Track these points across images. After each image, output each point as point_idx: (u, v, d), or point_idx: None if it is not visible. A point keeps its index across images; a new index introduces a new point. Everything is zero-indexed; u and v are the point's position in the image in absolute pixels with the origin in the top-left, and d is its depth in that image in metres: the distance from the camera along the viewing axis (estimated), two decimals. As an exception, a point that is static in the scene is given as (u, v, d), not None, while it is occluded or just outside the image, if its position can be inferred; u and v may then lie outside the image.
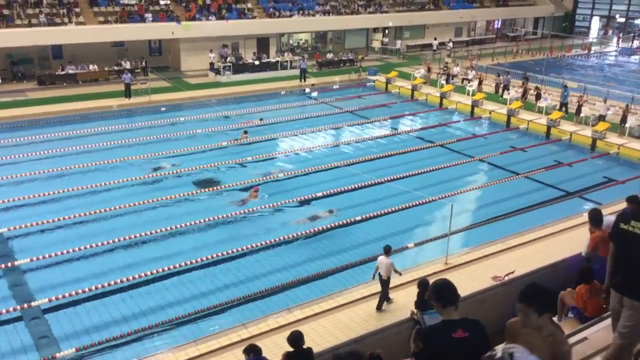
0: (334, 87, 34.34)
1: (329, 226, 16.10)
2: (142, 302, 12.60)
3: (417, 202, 17.34)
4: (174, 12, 35.95)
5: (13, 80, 31.96)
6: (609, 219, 11.72)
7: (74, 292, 12.58)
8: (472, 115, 28.91)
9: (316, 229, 15.91)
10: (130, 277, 13.22)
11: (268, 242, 15.13)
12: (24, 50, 31.99)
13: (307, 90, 33.58)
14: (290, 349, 8.25)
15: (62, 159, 20.87)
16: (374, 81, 35.37)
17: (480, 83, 31.71)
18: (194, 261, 13.99)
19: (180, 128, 25.16)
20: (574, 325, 8.63)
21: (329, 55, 39.72)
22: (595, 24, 58.16)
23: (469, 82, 32.56)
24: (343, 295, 11.84)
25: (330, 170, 20.49)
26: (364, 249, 14.98)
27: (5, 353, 10.90)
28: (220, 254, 14.36)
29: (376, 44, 45.51)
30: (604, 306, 9.13)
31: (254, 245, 14.91)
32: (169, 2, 36.83)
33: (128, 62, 33.27)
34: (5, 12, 31.30)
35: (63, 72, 31.71)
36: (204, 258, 14.15)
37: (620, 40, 53.91)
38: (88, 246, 14.50)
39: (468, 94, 30.94)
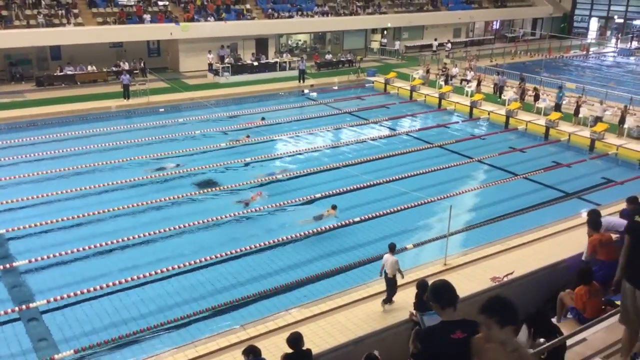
0: (333, 88, 34.33)
1: (327, 227, 16.08)
2: (140, 304, 12.57)
3: (416, 203, 17.35)
4: (172, 13, 35.94)
5: (11, 81, 31.94)
6: (607, 220, 11.78)
7: (72, 294, 12.54)
8: (471, 116, 28.92)
9: (315, 230, 15.89)
10: (129, 279, 13.20)
11: (266, 243, 15.11)
12: (22, 51, 31.96)
13: (306, 91, 33.58)
14: (289, 350, 8.24)
15: (60, 160, 20.84)
16: (373, 82, 35.38)
17: (478, 84, 31.73)
18: (192, 262, 13.98)
19: (180, 129, 25.14)
20: (573, 326, 8.61)
21: (328, 56, 39.74)
22: (594, 24, 58.21)
23: (467, 83, 32.59)
24: (342, 297, 11.82)
25: (329, 172, 20.49)
26: (363, 250, 14.96)
27: (3, 355, 10.86)
28: (219, 255, 14.34)
29: (375, 45, 45.53)
30: (603, 307, 9.14)
31: (253, 246, 14.89)
32: (167, 3, 36.82)
33: (127, 63, 33.25)
34: (4, 13, 31.28)
35: (61, 73, 31.69)
36: (203, 259, 14.14)
37: (619, 41, 53.96)
38: (87, 247, 14.49)
39: (467, 95, 30.96)
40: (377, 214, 16.90)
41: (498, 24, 53.41)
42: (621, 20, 56.28)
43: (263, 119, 26.67)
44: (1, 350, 11.00)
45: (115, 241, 14.88)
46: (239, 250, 14.68)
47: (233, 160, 21.30)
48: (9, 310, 12.03)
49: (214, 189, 18.83)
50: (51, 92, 30.14)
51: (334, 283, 13.26)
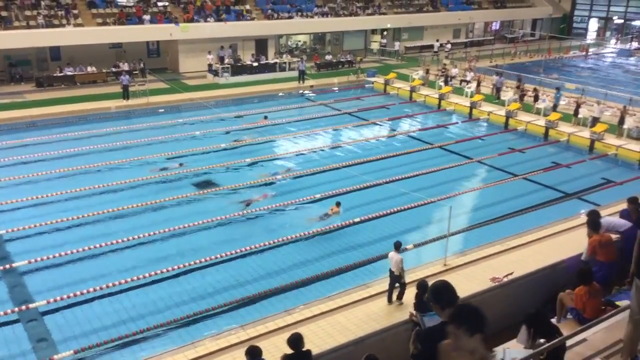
0: (333, 88, 34.32)
1: (327, 228, 16.09)
2: (140, 305, 12.56)
3: (416, 204, 17.35)
4: (172, 14, 35.95)
5: (11, 82, 31.93)
6: (608, 220, 11.80)
7: (72, 294, 12.54)
8: (471, 116, 28.92)
9: (314, 231, 15.89)
10: (129, 279, 13.20)
11: (266, 243, 15.10)
12: (22, 52, 31.96)
13: (306, 91, 33.58)
14: (289, 351, 8.24)
15: (60, 160, 20.84)
16: (373, 83, 35.38)
17: (478, 84, 31.75)
18: (192, 263, 13.98)
19: (179, 130, 25.14)
20: (573, 327, 8.61)
21: (328, 57, 39.75)
22: (593, 25, 58.25)
23: (467, 84, 32.59)
24: (342, 297, 11.81)
25: (329, 172, 20.49)
26: (363, 250, 14.96)
27: (3, 356, 10.86)
28: (219, 256, 14.34)
29: (374, 46, 45.56)
30: (603, 308, 9.15)
31: (253, 247, 14.89)
32: (167, 3, 36.83)
33: (126, 64, 33.25)
34: (3, 13, 31.28)
35: (61, 74, 31.69)
36: (203, 260, 14.13)
37: (619, 41, 53.99)
38: (86, 248, 14.49)
39: (466, 96, 30.97)
40: (377, 214, 16.90)
41: (498, 24, 53.45)
42: (621, 21, 56.34)
43: (265, 117, 26.73)
44: (1, 351, 10.99)
45: (115, 242, 14.87)
46: (238, 250, 14.67)
47: (233, 161, 21.31)
48: (9, 311, 12.02)
49: (213, 189, 18.82)
50: (51, 92, 30.14)
51: (334, 283, 13.25)
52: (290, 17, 39.52)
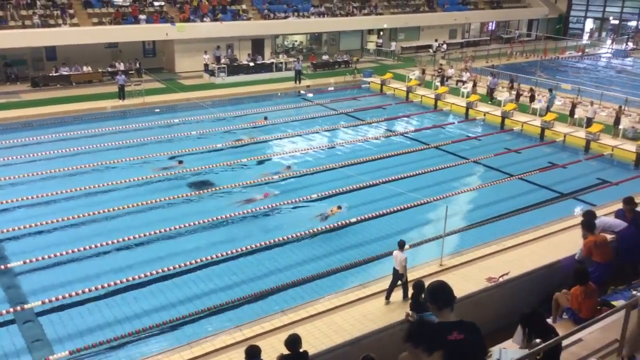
0: (329, 88, 34.32)
1: (324, 228, 16.08)
2: (136, 305, 12.53)
3: (412, 204, 17.36)
4: (168, 14, 35.89)
5: (6, 81, 31.85)
6: (603, 220, 11.82)
7: (67, 295, 12.50)
8: (467, 117, 28.96)
9: (310, 231, 15.88)
10: (124, 280, 13.18)
11: (262, 244, 15.08)
12: (17, 51, 31.85)
13: (302, 91, 33.57)
14: (286, 352, 8.23)
15: (55, 160, 20.78)
16: (369, 83, 35.40)
17: (474, 85, 31.80)
18: (187, 263, 13.95)
19: (175, 130, 25.09)
20: (569, 327, 8.62)
21: (324, 57, 39.74)
22: (589, 26, 58.39)
23: (463, 84, 32.63)
24: (338, 297, 11.82)
25: (325, 172, 20.48)
26: (360, 250, 14.97)
27: (-2, 356, 10.84)
28: (214, 256, 14.32)
29: (371, 46, 45.57)
30: (599, 308, 9.16)
31: (249, 247, 14.87)
32: (163, 3, 36.76)
33: (122, 64, 33.19)
34: (-1, 13, 31.23)
35: (57, 74, 31.61)
36: (198, 260, 14.11)
37: (614, 42, 54.14)
38: (82, 248, 14.45)
39: (462, 96, 31.00)
40: (374, 214, 16.90)
41: (494, 25, 53.52)
42: (616, 22, 56.49)
43: (266, 118, 26.74)
44: (-4, 352, 10.97)
45: (110, 242, 14.84)
46: (235, 250, 14.65)
47: (230, 161, 21.26)
48: (4, 312, 11.97)
49: (209, 189, 18.79)
50: (46, 92, 30.06)
51: (330, 283, 13.25)
52: (286, 17, 39.49)
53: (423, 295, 7.59)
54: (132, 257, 14.48)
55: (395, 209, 17.27)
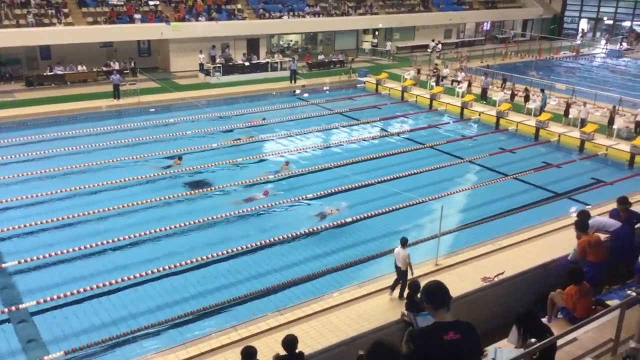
0: (324, 88, 34.33)
1: (319, 228, 16.09)
2: (131, 305, 12.51)
3: (408, 204, 17.39)
4: (163, 13, 35.80)
5: (1, 81, 31.71)
6: (598, 220, 11.88)
7: (62, 295, 12.46)
8: (462, 116, 29.02)
9: (306, 231, 15.89)
10: (119, 279, 13.14)
11: (258, 243, 15.08)
12: (11, 50, 31.72)
13: (298, 91, 33.57)
14: (283, 352, 8.23)
15: (50, 160, 20.72)
16: (364, 83, 35.42)
17: (469, 85, 31.87)
18: (183, 263, 13.94)
19: (170, 129, 25.04)
20: (564, 326, 8.66)
21: (320, 57, 39.74)
22: (584, 26, 58.58)
23: (458, 84, 32.70)
24: (334, 297, 11.82)
25: (320, 172, 20.49)
26: (355, 250, 14.98)
27: (-8, 357, 10.80)
28: (210, 256, 14.31)
29: (366, 46, 45.61)
30: (594, 307, 9.20)
31: (244, 247, 14.86)
32: (158, 2, 36.68)
33: (117, 63, 33.11)
34: (-7, 12, 31.07)
35: (51, 73, 31.49)
36: (194, 260, 14.09)
37: (608, 42, 54.35)
38: (77, 248, 14.41)
39: (457, 96, 31.06)
40: (369, 214, 16.92)
41: (489, 25, 53.63)
42: (610, 22, 56.70)
43: (264, 119, 26.70)
44: (-9, 352, 10.93)
45: (105, 242, 14.80)
46: (230, 250, 14.64)
47: (226, 160, 21.22)
48: (-2, 312, 11.95)
49: (204, 189, 18.77)
50: (41, 92, 29.94)
51: (325, 283, 13.25)
52: (281, 17, 39.47)
53: (419, 295, 7.59)
54: (127, 257, 14.44)
55: (390, 208, 17.29)
